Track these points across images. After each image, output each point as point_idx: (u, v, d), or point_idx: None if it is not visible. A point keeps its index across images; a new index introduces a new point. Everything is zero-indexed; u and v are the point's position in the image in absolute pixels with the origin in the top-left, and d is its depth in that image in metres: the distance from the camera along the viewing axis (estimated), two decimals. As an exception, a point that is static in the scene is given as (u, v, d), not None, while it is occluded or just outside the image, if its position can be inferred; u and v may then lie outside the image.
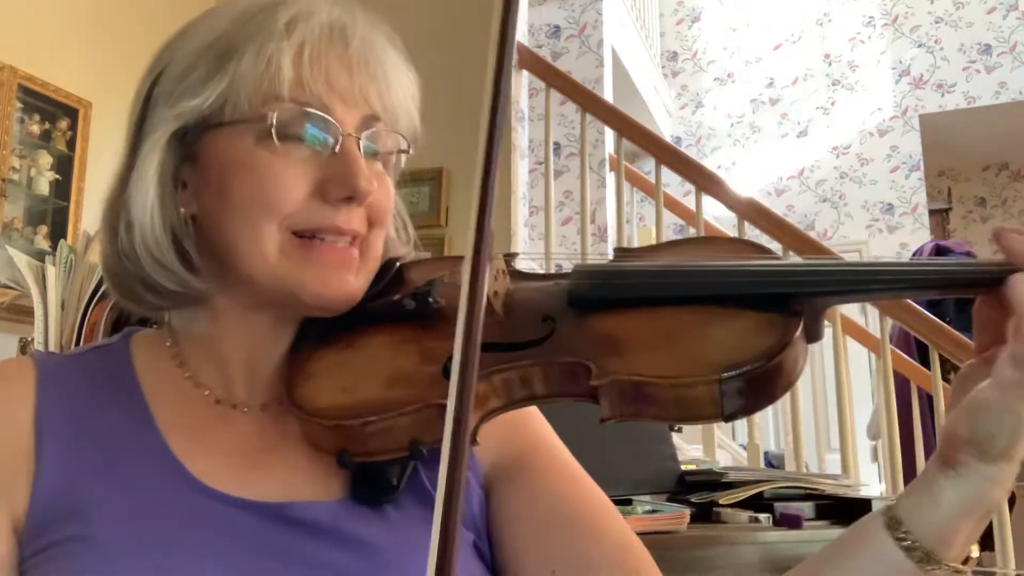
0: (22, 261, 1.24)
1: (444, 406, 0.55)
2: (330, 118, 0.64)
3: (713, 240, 0.70)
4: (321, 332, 0.67)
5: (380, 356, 0.65)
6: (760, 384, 0.54)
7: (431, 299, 0.65)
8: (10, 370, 0.66)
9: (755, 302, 0.58)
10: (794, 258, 0.66)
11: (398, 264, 0.72)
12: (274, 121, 0.62)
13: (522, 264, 0.71)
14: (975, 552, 0.60)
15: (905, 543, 0.57)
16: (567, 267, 0.66)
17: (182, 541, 0.58)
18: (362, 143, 0.65)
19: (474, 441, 0.58)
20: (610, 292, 0.62)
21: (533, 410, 0.73)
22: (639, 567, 0.67)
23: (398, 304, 0.66)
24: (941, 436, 0.57)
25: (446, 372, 0.60)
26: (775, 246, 3.18)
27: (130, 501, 0.60)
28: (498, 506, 0.68)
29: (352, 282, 0.65)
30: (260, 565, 0.58)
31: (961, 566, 0.57)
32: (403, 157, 0.73)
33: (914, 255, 4.12)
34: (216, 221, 0.64)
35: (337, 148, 0.64)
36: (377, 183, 0.66)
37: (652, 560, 0.68)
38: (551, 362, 0.59)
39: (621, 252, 0.69)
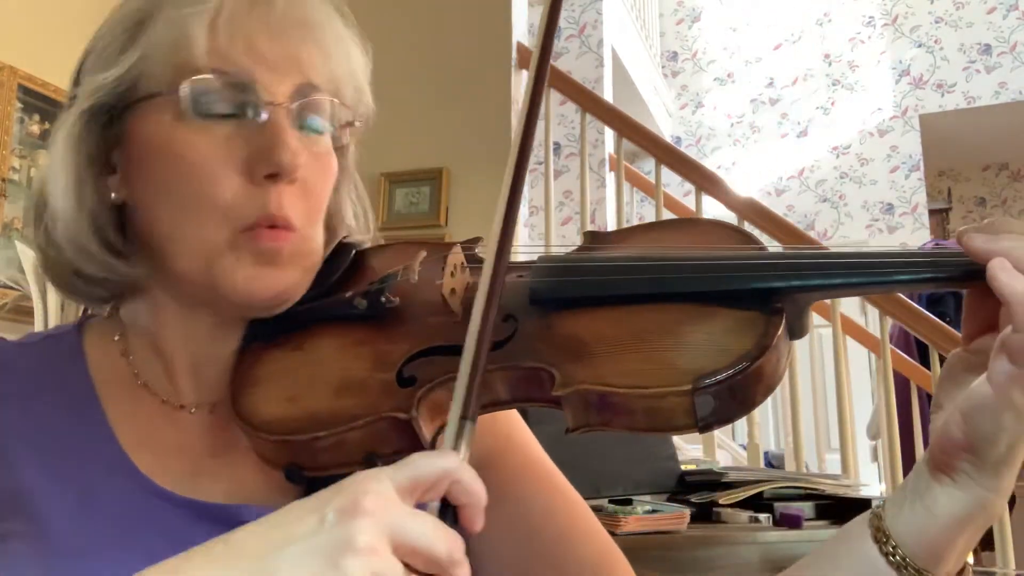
0: (28, 258, 1.24)
1: (398, 419, 0.54)
2: (252, 87, 0.58)
3: (693, 223, 0.63)
4: (271, 331, 0.62)
5: (330, 361, 0.59)
6: (738, 391, 0.49)
7: (384, 298, 0.60)
8: None
9: (732, 299, 0.52)
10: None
11: (355, 251, 0.67)
12: (186, 93, 0.57)
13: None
14: (971, 559, 0.56)
15: (895, 559, 0.52)
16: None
17: (123, 540, 0.56)
18: (294, 113, 0.60)
19: (434, 447, 0.55)
20: (575, 290, 0.56)
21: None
22: (614, 572, 0.64)
23: (348, 303, 0.61)
24: (933, 441, 0.52)
25: (400, 379, 0.56)
26: (775, 246, 3.18)
27: (76, 496, 0.57)
28: None
29: (283, 279, 0.59)
30: None
31: None
32: (354, 134, 0.67)
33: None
34: (148, 210, 0.60)
35: (261, 119, 0.58)
36: (314, 163, 0.61)
37: (628, 565, 0.65)
38: (512, 366, 0.54)
39: (591, 237, 0.63)
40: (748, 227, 3.19)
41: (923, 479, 0.52)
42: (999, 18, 6.19)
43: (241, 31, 0.59)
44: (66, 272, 0.63)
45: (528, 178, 3.64)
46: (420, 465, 0.43)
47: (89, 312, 0.70)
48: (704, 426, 0.50)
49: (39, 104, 3.49)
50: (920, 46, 6.34)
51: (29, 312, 1.33)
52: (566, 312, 0.56)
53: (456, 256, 0.61)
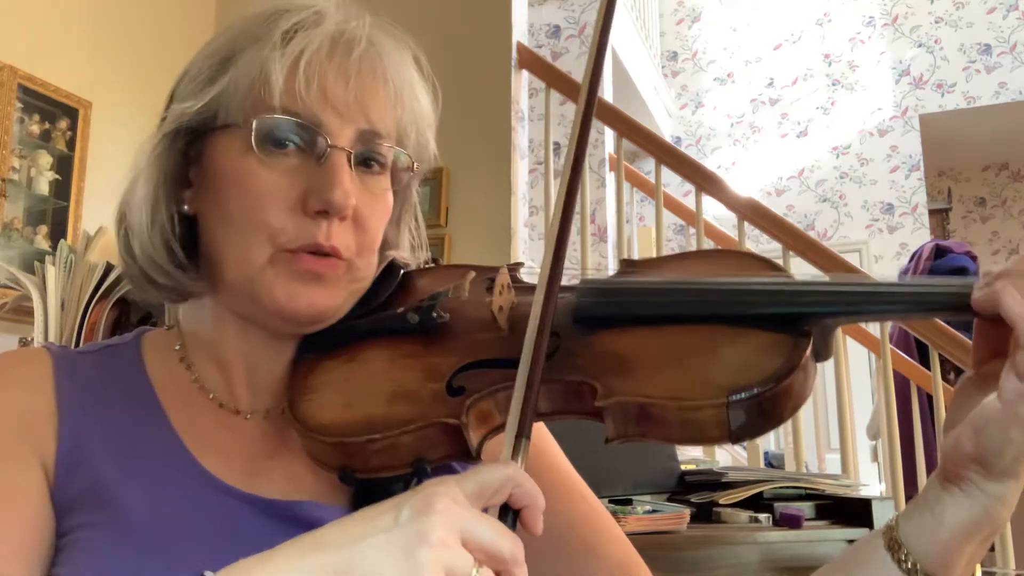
0: (13, 267, 1.24)
1: (447, 424, 0.58)
2: (317, 129, 0.63)
3: (720, 254, 0.67)
4: (324, 344, 0.66)
5: (383, 371, 0.63)
6: (768, 407, 0.53)
7: (435, 314, 0.64)
8: (27, 355, 0.67)
9: (764, 322, 0.56)
10: (803, 273, 0.64)
11: (403, 272, 0.71)
12: (257, 128, 0.62)
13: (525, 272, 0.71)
14: (978, 573, 0.58)
15: (906, 565, 0.55)
16: (575, 273, 0.65)
17: (192, 533, 0.59)
18: (354, 157, 0.64)
19: (478, 456, 0.58)
20: (616, 310, 0.60)
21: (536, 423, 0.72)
22: None
23: (401, 318, 0.65)
24: (944, 453, 0.55)
25: (450, 389, 0.59)
26: (775, 246, 3.18)
27: (145, 492, 0.60)
28: None
29: (323, 300, 0.63)
30: None
31: None
32: (414, 178, 0.72)
33: (913, 256, 4.12)
34: (211, 224, 0.65)
35: (323, 160, 0.63)
36: (370, 200, 0.65)
37: (648, 571, 0.68)
38: (555, 379, 0.57)
39: (626, 265, 0.67)
40: (748, 227, 3.19)
41: (934, 490, 0.56)
42: (999, 18, 6.19)
43: (316, 75, 0.63)
44: (138, 277, 0.68)
45: (528, 178, 3.66)
46: (486, 472, 0.48)
47: (134, 324, 0.74)
48: (736, 437, 0.53)
49: (39, 104, 3.49)
50: (920, 46, 6.34)
51: (29, 312, 1.33)
52: (607, 330, 0.59)
53: (503, 276, 0.65)
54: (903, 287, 0.56)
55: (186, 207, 0.67)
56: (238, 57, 0.64)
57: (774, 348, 0.54)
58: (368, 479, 0.60)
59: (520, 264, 0.70)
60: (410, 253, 0.75)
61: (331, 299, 0.64)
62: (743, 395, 0.52)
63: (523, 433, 0.51)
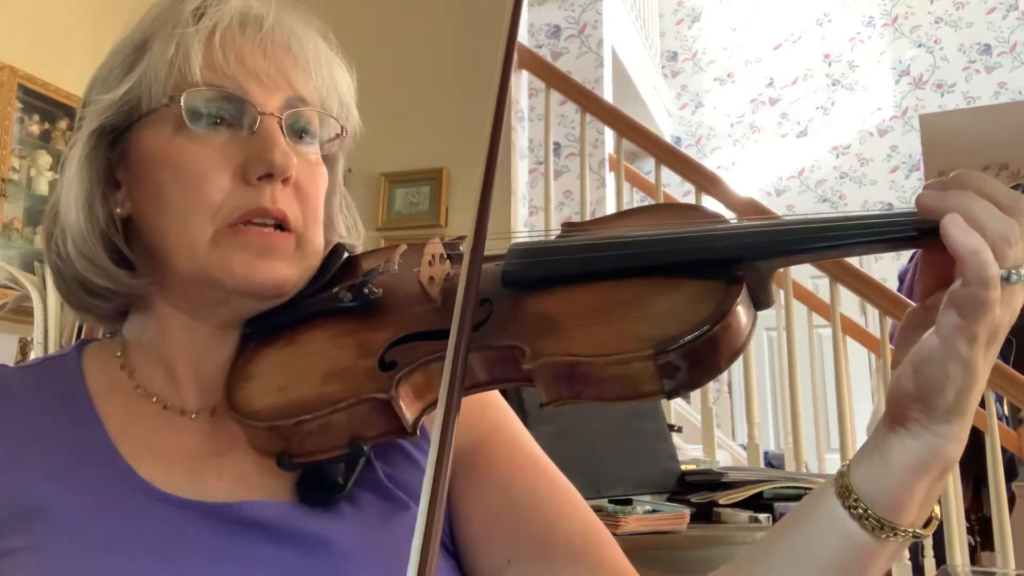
0: (13, 267, 1.24)
1: (379, 400, 0.57)
2: (245, 98, 0.62)
3: (663, 208, 0.65)
4: (264, 332, 0.66)
5: (319, 353, 0.62)
6: (700, 356, 0.50)
7: (367, 290, 0.63)
8: None
9: (694, 270, 0.54)
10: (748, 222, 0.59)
11: (347, 255, 0.70)
12: (183, 106, 0.61)
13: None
14: (937, 511, 0.56)
15: (857, 511, 0.53)
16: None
17: (130, 546, 0.57)
18: (285, 123, 0.64)
19: (414, 432, 0.57)
20: (543, 270, 0.58)
21: (493, 395, 0.72)
22: (601, 556, 0.65)
23: (335, 298, 0.64)
24: (888, 393, 0.53)
25: (382, 364, 0.58)
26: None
27: (79, 508, 0.59)
28: (456, 496, 0.66)
29: (281, 270, 0.62)
30: (206, 566, 0.57)
31: (921, 531, 0.54)
32: (343, 148, 0.72)
33: (913, 256, 4.12)
34: (147, 218, 0.64)
35: (256, 128, 0.62)
36: (307, 168, 0.65)
37: (616, 546, 0.66)
38: (488, 347, 0.56)
39: (568, 227, 0.65)
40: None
41: (880, 433, 0.54)
42: (999, 18, 6.19)
43: (233, 49, 0.63)
44: (74, 286, 0.67)
45: (528, 178, 3.65)
46: None
47: (87, 336, 0.73)
48: (671, 391, 0.51)
49: (39, 104, 3.49)
50: (920, 46, 6.34)
51: (29, 312, 1.33)
52: (537, 292, 0.58)
53: (434, 246, 0.64)
54: (836, 220, 0.53)
55: (119, 209, 0.65)
56: (151, 41, 0.64)
57: (704, 296, 0.52)
58: (307, 463, 0.59)
59: (462, 237, 0.68)
60: (346, 235, 0.74)
61: (284, 272, 0.63)
62: (672, 345, 0.49)
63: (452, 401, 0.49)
